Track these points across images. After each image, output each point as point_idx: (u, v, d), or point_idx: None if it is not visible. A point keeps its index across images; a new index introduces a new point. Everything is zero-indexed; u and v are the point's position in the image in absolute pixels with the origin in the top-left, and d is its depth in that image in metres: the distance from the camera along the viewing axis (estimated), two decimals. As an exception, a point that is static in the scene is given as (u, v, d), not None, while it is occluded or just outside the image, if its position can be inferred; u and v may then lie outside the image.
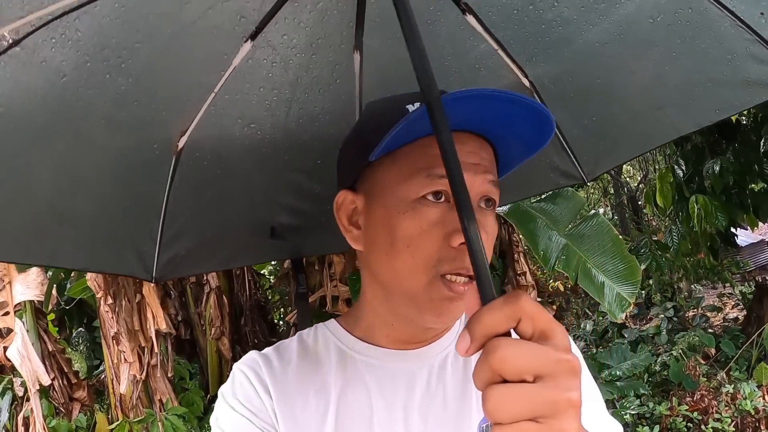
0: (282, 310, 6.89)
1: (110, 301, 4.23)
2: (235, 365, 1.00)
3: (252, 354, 1.02)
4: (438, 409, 0.96)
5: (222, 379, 5.80)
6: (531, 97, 1.47)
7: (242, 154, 1.46)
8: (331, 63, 1.36)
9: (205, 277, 5.53)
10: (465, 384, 0.98)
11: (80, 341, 5.55)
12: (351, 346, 1.01)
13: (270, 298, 6.85)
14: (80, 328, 5.77)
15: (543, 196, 5.22)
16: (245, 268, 5.85)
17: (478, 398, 0.95)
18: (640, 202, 11.48)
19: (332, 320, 1.07)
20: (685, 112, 1.50)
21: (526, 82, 1.48)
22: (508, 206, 5.16)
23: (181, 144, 1.40)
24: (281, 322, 6.62)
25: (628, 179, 11.35)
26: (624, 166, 9.96)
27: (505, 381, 0.57)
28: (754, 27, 1.28)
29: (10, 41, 1.03)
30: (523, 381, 0.57)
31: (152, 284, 4.42)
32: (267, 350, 1.02)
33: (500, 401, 0.56)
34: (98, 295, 4.26)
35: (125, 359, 4.33)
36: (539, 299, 6.08)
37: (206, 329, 5.68)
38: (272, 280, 7.20)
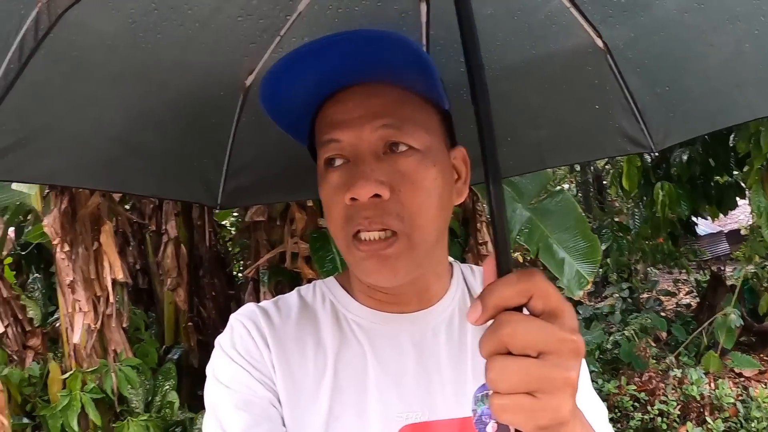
0: (242, 263, 6.84)
1: (67, 248, 4.14)
2: (233, 316, 1.02)
3: (250, 306, 1.04)
4: (432, 375, 0.97)
5: (178, 330, 5.78)
6: (606, 59, 1.46)
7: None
8: (396, 12, 1.36)
9: (164, 227, 5.44)
10: (459, 352, 1.00)
11: (36, 288, 5.43)
12: (344, 304, 1.03)
13: (230, 250, 6.80)
14: (36, 274, 5.64)
15: (511, 170, 5.22)
16: (206, 219, 5.77)
17: (473, 367, 0.98)
18: (605, 183, 11.63)
19: (331, 277, 1.09)
20: (764, 94, 1.47)
21: (600, 43, 1.46)
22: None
23: (248, 82, 1.46)
24: (239, 275, 6.57)
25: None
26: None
27: (509, 353, 0.61)
28: None
29: None
30: (527, 356, 0.60)
31: (109, 232, 4.36)
32: (265, 303, 1.04)
33: (502, 372, 0.60)
34: (54, 242, 4.15)
35: (80, 308, 4.25)
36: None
37: (164, 279, 5.62)
38: (233, 232, 7.12)
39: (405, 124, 0.90)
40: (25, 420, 5.00)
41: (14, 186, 3.93)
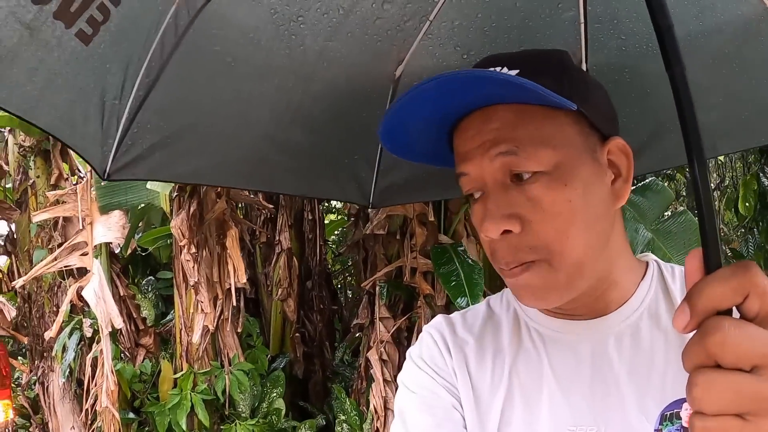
0: (346, 277, 6.87)
1: (193, 250, 4.20)
2: (425, 328, 1.04)
3: (439, 317, 1.05)
4: (608, 386, 0.88)
5: (284, 340, 5.80)
6: None
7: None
8: None
9: (277, 238, 5.50)
10: (646, 362, 0.88)
11: (149, 289, 5.56)
12: (527, 312, 0.99)
13: (330, 267, 6.83)
14: (150, 276, 5.78)
15: (633, 188, 5.06)
16: (317, 233, 5.80)
17: (662, 380, 0.86)
18: (718, 208, 11.13)
19: None
20: None
21: None
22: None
23: (398, 73, 1.40)
24: (343, 290, 6.59)
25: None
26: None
27: (717, 366, 0.51)
28: None
29: None
30: (739, 370, 0.51)
31: (235, 237, 4.41)
32: (454, 314, 1.05)
33: (709, 389, 0.51)
34: (181, 243, 4.23)
35: (202, 309, 4.30)
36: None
37: (272, 290, 5.65)
38: (335, 249, 7.17)
39: (524, 147, 0.81)
40: (131, 415, 5.10)
41: (149, 185, 4.02)
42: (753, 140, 1.71)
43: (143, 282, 5.71)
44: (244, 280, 4.29)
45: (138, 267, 6.33)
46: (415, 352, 1.02)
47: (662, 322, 0.89)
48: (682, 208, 5.01)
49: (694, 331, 0.54)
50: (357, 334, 5.48)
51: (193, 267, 4.27)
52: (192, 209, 4.21)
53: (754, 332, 0.51)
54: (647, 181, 5.13)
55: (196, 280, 4.26)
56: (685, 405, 0.81)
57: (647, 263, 0.97)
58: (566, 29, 1.33)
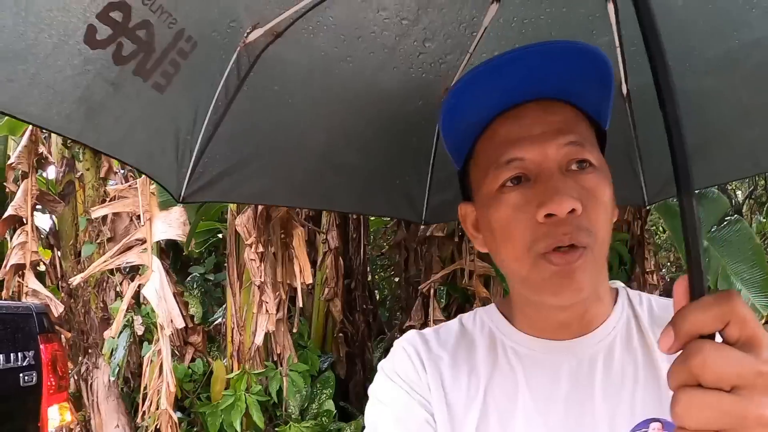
0: (384, 277, 6.82)
1: (260, 249, 4.14)
2: (396, 342, 1.05)
3: (412, 332, 1.06)
4: (582, 406, 0.92)
5: (325, 340, 5.75)
6: None
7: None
8: (584, 15, 1.35)
9: (324, 237, 5.44)
10: (618, 383, 0.93)
11: (194, 286, 5.49)
12: (503, 330, 1.01)
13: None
14: (194, 274, 5.70)
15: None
16: (361, 232, 5.76)
17: (631, 401, 0.91)
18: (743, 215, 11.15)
19: (492, 305, 1.09)
20: None
21: None
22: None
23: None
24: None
25: (737, 191, 11.05)
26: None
27: (699, 385, 0.56)
28: None
29: (275, 34, 1.26)
30: (719, 389, 0.55)
31: (301, 237, 4.35)
32: (427, 330, 1.07)
33: (690, 406, 0.56)
34: (248, 242, 4.17)
35: (267, 310, 4.24)
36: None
37: (315, 289, 5.60)
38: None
39: (585, 141, 0.88)
40: (179, 414, 5.03)
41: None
42: None
43: (187, 279, 5.62)
44: (311, 281, 4.23)
45: (171, 263, 6.25)
46: (388, 365, 1.02)
47: (633, 345, 0.95)
48: (736, 217, 4.98)
49: (676, 354, 0.59)
50: (396, 335, 5.45)
51: (259, 266, 4.20)
52: (260, 207, 4.14)
53: (733, 355, 0.56)
54: (703, 189, 5.14)
55: (261, 279, 4.19)
56: (653, 425, 0.88)
57: (617, 288, 1.03)
58: (605, 54, 1.38)
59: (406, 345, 1.03)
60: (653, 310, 0.99)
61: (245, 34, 1.23)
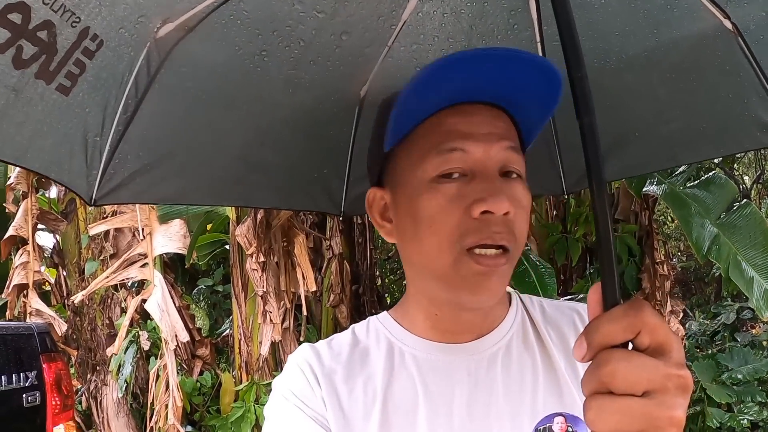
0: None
1: (261, 258, 4.10)
2: (290, 357, 1.05)
3: (304, 346, 1.05)
4: (485, 406, 0.94)
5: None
6: (736, 42, 1.38)
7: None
8: (505, 9, 1.36)
9: (327, 243, 5.39)
10: (518, 382, 0.96)
11: (201, 298, 5.46)
12: (399, 337, 1.01)
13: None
14: (201, 286, 5.67)
15: (696, 182, 4.98)
16: (367, 237, 5.71)
17: (533, 399, 0.95)
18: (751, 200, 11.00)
19: (384, 312, 1.09)
20: None
21: (728, 25, 1.36)
22: (661, 188, 4.94)
23: (363, 92, 1.51)
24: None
25: (744, 177, 10.89)
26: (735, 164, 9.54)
27: (610, 393, 0.59)
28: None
29: (187, 29, 1.22)
30: (631, 395, 0.58)
31: (303, 244, 4.30)
32: (319, 343, 1.06)
33: (601, 412, 0.59)
34: (249, 252, 4.12)
35: (271, 320, 4.20)
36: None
37: (323, 296, 5.55)
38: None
39: (518, 150, 0.92)
40: (189, 428, 5.00)
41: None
42: (713, 151, 1.88)
43: (194, 291, 5.59)
44: (314, 288, 4.18)
45: (178, 275, 6.23)
46: (282, 383, 1.00)
47: (529, 343, 0.98)
48: (744, 201, 4.89)
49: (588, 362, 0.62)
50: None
51: (261, 276, 4.16)
52: (259, 216, 4.10)
53: (643, 362, 0.59)
54: (710, 174, 5.05)
55: (264, 289, 4.15)
56: (557, 419, 0.91)
57: (509, 292, 1.05)
58: (524, 48, 1.37)
59: (300, 360, 1.01)
60: (545, 310, 1.03)
61: (155, 30, 1.19)
